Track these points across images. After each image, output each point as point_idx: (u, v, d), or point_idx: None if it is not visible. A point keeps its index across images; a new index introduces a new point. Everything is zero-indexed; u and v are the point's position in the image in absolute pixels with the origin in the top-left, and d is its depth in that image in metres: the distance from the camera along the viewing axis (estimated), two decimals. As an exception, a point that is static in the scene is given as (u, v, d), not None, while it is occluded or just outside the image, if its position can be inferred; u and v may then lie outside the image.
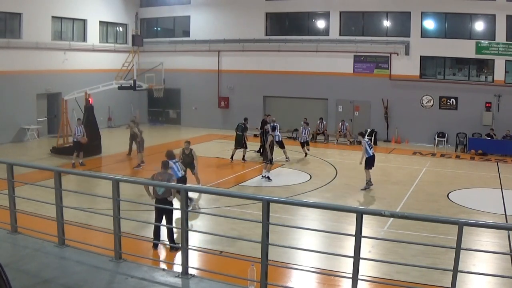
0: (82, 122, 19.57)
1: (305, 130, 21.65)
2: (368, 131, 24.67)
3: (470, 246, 10.21)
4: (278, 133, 19.80)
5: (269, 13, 28.27)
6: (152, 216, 10.76)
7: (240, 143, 20.15)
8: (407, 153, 22.98)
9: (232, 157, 19.97)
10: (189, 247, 6.26)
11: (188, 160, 14.47)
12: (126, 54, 25.73)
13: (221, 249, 10.12)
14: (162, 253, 10.45)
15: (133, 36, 27.47)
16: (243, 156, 20.12)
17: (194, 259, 9.46)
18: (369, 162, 15.80)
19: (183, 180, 12.43)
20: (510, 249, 10.82)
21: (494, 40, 23.59)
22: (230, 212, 12.79)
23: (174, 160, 12.59)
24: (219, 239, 10.28)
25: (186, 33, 30.28)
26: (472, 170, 19.84)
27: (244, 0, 28.39)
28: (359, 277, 5.38)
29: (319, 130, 26.04)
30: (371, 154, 15.86)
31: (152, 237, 10.23)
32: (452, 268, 5.03)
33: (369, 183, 15.84)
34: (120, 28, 30.51)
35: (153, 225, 10.30)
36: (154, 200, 10.19)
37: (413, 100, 25.29)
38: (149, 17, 31.43)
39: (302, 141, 21.67)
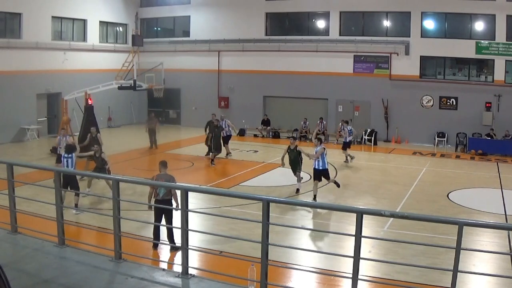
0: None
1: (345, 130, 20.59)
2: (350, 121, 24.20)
3: (470, 246, 10.21)
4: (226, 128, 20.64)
5: (269, 13, 28.26)
6: (152, 216, 10.76)
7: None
8: (407, 153, 22.98)
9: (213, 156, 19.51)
10: (189, 247, 6.26)
11: (99, 165, 14.06)
12: (126, 54, 25.74)
13: (221, 249, 10.12)
14: (162, 253, 10.45)
15: (133, 36, 27.48)
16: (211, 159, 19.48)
17: (194, 259, 9.46)
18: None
19: (69, 179, 12.11)
20: (510, 249, 10.82)
21: (494, 40, 23.59)
22: (230, 212, 12.78)
23: (68, 155, 12.53)
24: (219, 239, 10.28)
25: (186, 33, 30.28)
26: (472, 170, 19.84)
27: (244, 0, 28.39)
28: (359, 277, 5.38)
29: (319, 130, 26.00)
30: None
31: (152, 237, 10.23)
32: (452, 268, 5.03)
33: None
34: (120, 28, 30.51)
35: (153, 225, 10.31)
36: (154, 200, 10.21)
37: (413, 100, 25.29)
38: (149, 17, 31.42)
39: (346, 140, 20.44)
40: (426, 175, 18.38)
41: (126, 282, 6.02)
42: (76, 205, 12.48)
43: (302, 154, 15.17)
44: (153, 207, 10.52)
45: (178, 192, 8.79)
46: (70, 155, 12.63)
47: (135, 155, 21.04)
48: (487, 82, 24.30)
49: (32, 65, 23.87)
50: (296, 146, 15.58)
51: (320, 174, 14.37)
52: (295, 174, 15.49)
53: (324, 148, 14.31)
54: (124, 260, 6.60)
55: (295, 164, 15.43)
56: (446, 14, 24.59)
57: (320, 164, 14.32)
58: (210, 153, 19.65)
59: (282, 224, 11.70)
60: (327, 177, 14.74)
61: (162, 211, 10.00)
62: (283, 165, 15.57)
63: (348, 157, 20.04)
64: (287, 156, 15.53)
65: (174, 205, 9.90)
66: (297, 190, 15.25)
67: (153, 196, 10.26)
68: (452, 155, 22.78)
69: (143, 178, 14.16)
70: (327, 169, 14.54)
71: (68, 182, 12.06)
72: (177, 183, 9.83)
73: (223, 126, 20.53)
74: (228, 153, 20.57)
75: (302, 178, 15.58)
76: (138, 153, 21.53)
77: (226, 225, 11.58)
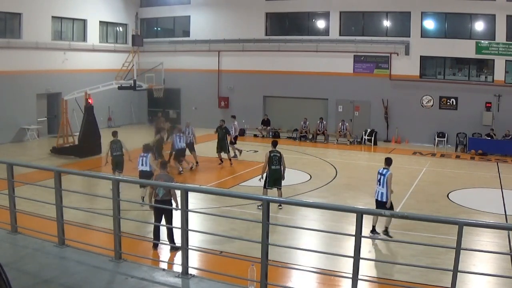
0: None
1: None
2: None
3: (470, 246, 10.21)
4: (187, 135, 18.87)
5: (269, 13, 28.26)
6: (152, 216, 10.76)
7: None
8: (407, 153, 22.97)
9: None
10: (189, 247, 6.26)
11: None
12: (126, 54, 25.72)
13: (221, 249, 10.12)
14: (162, 253, 10.45)
15: (133, 36, 27.46)
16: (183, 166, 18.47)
17: (194, 259, 9.46)
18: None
19: (149, 174, 13.13)
20: (510, 249, 10.82)
21: (494, 40, 23.59)
22: (230, 212, 12.78)
23: (143, 154, 13.57)
24: (219, 239, 10.28)
25: (186, 33, 30.28)
26: (472, 170, 19.83)
27: (244, 0, 28.39)
28: (359, 277, 5.38)
29: (319, 130, 26.05)
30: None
31: (152, 237, 10.23)
32: (452, 268, 5.03)
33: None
34: (120, 28, 30.51)
35: (153, 226, 10.31)
36: (154, 200, 10.21)
37: (413, 100, 25.29)
38: (149, 17, 31.43)
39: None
40: (426, 175, 18.37)
41: (126, 282, 6.02)
42: (142, 198, 13.44)
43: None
44: (153, 207, 10.52)
45: (178, 192, 8.79)
46: (145, 154, 13.53)
47: (136, 155, 20.99)
48: (487, 82, 24.30)
49: (32, 65, 23.86)
50: (277, 153, 13.43)
51: (381, 207, 10.94)
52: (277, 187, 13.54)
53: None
54: (124, 260, 6.60)
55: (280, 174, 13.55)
56: (446, 14, 24.59)
57: (384, 194, 11.19)
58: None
59: (282, 224, 11.71)
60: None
61: (162, 211, 10.00)
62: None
63: (237, 152, 20.70)
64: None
65: (174, 205, 9.90)
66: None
67: (153, 196, 10.26)
68: (452, 155, 22.78)
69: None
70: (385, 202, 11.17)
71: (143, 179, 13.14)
72: (177, 183, 9.83)
73: (187, 133, 19.06)
74: (196, 162, 19.09)
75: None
76: (139, 153, 21.45)
77: (226, 225, 11.58)
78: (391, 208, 11.06)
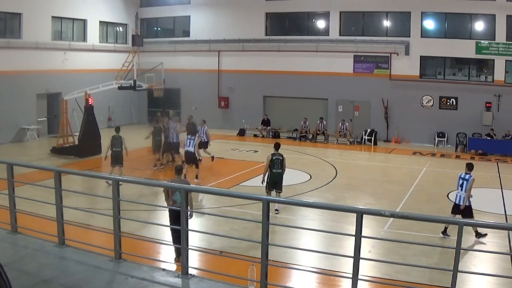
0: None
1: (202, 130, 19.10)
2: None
3: (470, 246, 10.21)
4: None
5: (269, 13, 28.27)
6: (152, 216, 10.75)
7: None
8: (407, 153, 22.98)
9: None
10: (189, 247, 6.26)
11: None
12: (126, 54, 25.72)
13: (221, 249, 10.12)
14: (163, 253, 10.44)
15: (133, 36, 27.47)
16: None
17: (194, 259, 9.46)
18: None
19: (193, 156, 15.57)
20: (510, 249, 10.82)
21: (494, 40, 23.59)
22: (230, 212, 12.78)
23: (191, 137, 15.88)
24: (219, 239, 10.28)
25: (186, 33, 30.29)
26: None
27: (244, 0, 28.39)
28: (359, 277, 5.38)
29: (319, 130, 26.06)
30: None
31: (154, 238, 10.18)
32: (452, 268, 5.04)
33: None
34: (120, 28, 30.51)
35: (156, 226, 10.20)
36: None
37: (413, 100, 25.29)
38: (149, 17, 31.43)
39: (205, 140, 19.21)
40: (426, 175, 18.38)
41: (126, 282, 6.02)
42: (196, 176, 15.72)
43: None
44: (168, 213, 10.35)
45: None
46: (193, 137, 15.96)
47: (136, 154, 21.02)
48: (487, 82, 24.30)
49: (32, 65, 23.86)
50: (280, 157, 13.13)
51: (459, 211, 11.14)
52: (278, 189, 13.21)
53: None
54: (124, 260, 6.60)
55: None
56: (446, 14, 24.59)
57: (461, 198, 11.26)
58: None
59: (282, 224, 11.72)
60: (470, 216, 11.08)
61: (178, 217, 9.73)
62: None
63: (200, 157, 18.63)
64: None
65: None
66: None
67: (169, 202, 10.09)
68: (452, 155, 22.78)
69: (143, 178, 14.19)
70: (469, 207, 11.17)
71: (188, 158, 15.71)
72: (176, 184, 9.78)
73: (200, 133, 18.76)
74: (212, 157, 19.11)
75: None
76: (139, 153, 21.49)
77: (226, 225, 11.59)
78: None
